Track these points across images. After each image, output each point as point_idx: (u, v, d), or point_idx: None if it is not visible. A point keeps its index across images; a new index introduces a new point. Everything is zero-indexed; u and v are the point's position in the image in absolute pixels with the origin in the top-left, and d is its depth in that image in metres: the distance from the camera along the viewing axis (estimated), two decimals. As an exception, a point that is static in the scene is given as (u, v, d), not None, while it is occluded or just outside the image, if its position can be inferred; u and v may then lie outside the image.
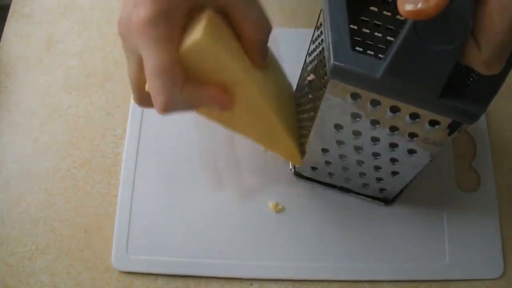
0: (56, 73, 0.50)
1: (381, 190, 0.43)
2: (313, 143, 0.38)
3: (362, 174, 0.41)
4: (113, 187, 0.45)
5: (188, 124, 0.47)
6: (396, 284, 0.43)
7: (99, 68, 0.50)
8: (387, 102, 0.31)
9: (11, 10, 0.53)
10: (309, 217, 0.44)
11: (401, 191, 0.43)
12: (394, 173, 0.39)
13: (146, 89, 0.31)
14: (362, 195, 0.45)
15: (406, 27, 0.25)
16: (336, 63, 0.29)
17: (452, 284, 0.43)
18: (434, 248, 0.44)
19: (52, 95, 0.49)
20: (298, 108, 0.42)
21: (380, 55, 0.41)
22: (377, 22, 0.38)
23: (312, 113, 0.36)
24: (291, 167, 0.46)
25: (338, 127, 0.35)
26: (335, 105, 0.33)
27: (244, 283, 0.42)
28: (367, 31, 0.40)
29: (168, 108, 0.30)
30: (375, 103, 0.31)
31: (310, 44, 0.39)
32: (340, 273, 0.43)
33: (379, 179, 0.41)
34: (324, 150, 0.39)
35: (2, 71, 0.50)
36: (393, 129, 0.33)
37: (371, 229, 0.44)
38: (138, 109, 0.47)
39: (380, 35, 0.39)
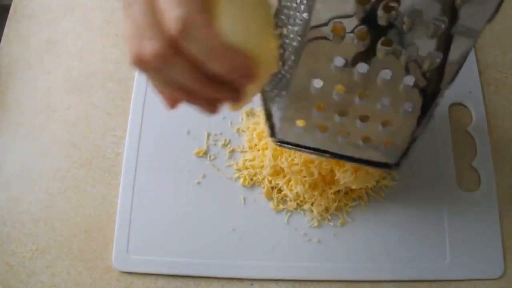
0: (57, 73, 0.50)
1: (383, 150, 0.37)
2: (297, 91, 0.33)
3: (360, 131, 0.36)
4: (114, 187, 0.45)
5: (189, 124, 0.47)
6: (396, 284, 0.43)
7: (99, 68, 0.50)
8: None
9: (11, 10, 0.53)
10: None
11: (405, 154, 0.38)
12: (385, 124, 0.34)
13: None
14: (362, 162, 0.39)
15: None
16: None
17: (452, 284, 0.43)
18: (434, 248, 0.44)
19: (52, 95, 0.49)
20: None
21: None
22: None
23: (290, 63, 0.32)
24: (270, 135, 0.39)
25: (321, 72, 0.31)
26: (317, 47, 0.29)
27: (244, 283, 0.42)
28: None
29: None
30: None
31: None
32: (340, 273, 0.43)
33: (375, 136, 0.36)
34: (309, 96, 0.33)
35: (3, 71, 0.50)
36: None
37: (371, 229, 0.44)
38: (139, 109, 0.48)
39: None
